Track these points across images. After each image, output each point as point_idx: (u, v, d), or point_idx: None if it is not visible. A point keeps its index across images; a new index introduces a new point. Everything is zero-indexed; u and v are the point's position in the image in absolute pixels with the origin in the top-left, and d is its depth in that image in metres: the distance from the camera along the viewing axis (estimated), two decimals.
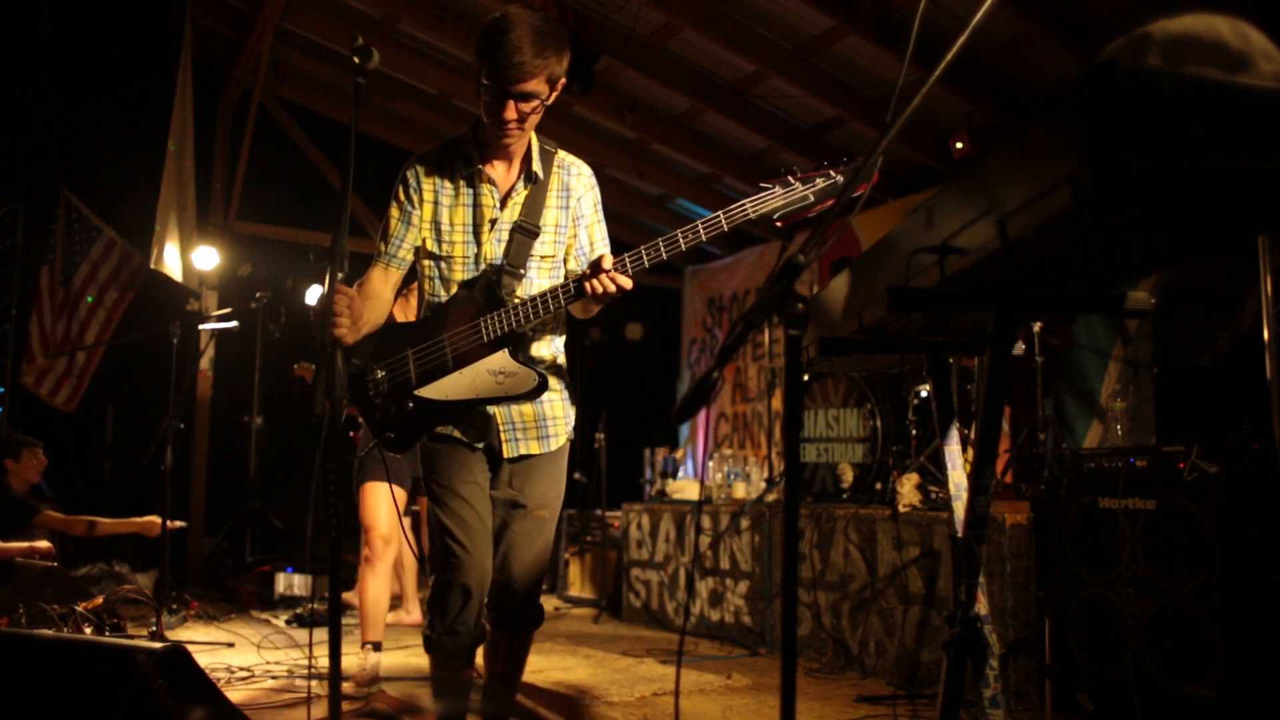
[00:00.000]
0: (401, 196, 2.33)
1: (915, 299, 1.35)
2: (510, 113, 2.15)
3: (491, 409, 2.30)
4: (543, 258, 2.32)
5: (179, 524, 4.52)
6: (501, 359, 2.23)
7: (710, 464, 5.62)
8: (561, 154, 2.38)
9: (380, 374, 2.30)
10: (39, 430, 6.31)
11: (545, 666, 4.08)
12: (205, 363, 6.74)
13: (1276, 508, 2.73)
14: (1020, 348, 4.15)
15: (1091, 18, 4.68)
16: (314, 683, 3.66)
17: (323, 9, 6.18)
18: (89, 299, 6.46)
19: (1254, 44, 1.06)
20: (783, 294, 1.22)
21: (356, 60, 1.93)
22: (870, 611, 3.88)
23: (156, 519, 4.55)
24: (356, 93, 1.99)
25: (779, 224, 2.25)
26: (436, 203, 2.32)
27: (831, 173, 2.19)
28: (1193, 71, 1.01)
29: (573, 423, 2.44)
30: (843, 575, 4.05)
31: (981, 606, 1.70)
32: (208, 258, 6.43)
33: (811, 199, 2.21)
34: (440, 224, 2.31)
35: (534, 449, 2.34)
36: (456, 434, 2.31)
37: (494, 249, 2.29)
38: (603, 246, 2.40)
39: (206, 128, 6.71)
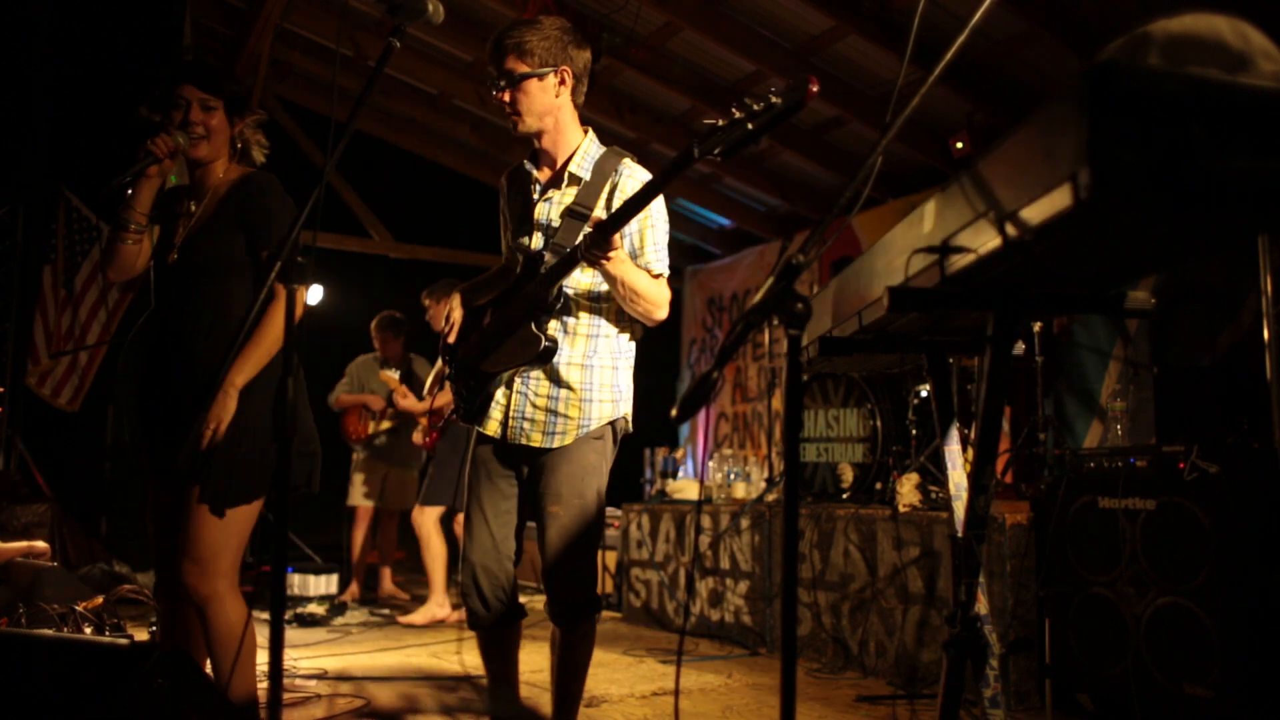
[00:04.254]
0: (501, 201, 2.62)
1: (915, 299, 1.35)
2: (501, 96, 2.37)
3: (503, 395, 2.40)
4: None
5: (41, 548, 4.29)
6: (526, 329, 2.34)
7: (710, 464, 5.61)
8: (626, 160, 2.43)
9: (456, 352, 2.52)
10: (39, 430, 6.30)
11: (545, 666, 4.06)
12: None
13: (1276, 508, 2.73)
14: (1020, 347, 4.15)
15: (1091, 18, 4.68)
16: (314, 683, 3.66)
17: (323, 9, 6.18)
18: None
19: (1254, 44, 1.06)
20: (783, 294, 1.22)
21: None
22: (870, 611, 3.88)
23: (39, 543, 4.30)
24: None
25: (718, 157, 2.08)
26: (510, 199, 2.56)
27: (771, 96, 1.95)
28: (1193, 71, 1.01)
29: (592, 424, 2.40)
30: (843, 575, 4.05)
31: (981, 606, 1.70)
32: None
33: (751, 128, 2.02)
34: (509, 217, 2.56)
35: (535, 441, 2.37)
36: (485, 431, 2.43)
37: (538, 239, 2.43)
38: (651, 256, 2.40)
39: None
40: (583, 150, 2.43)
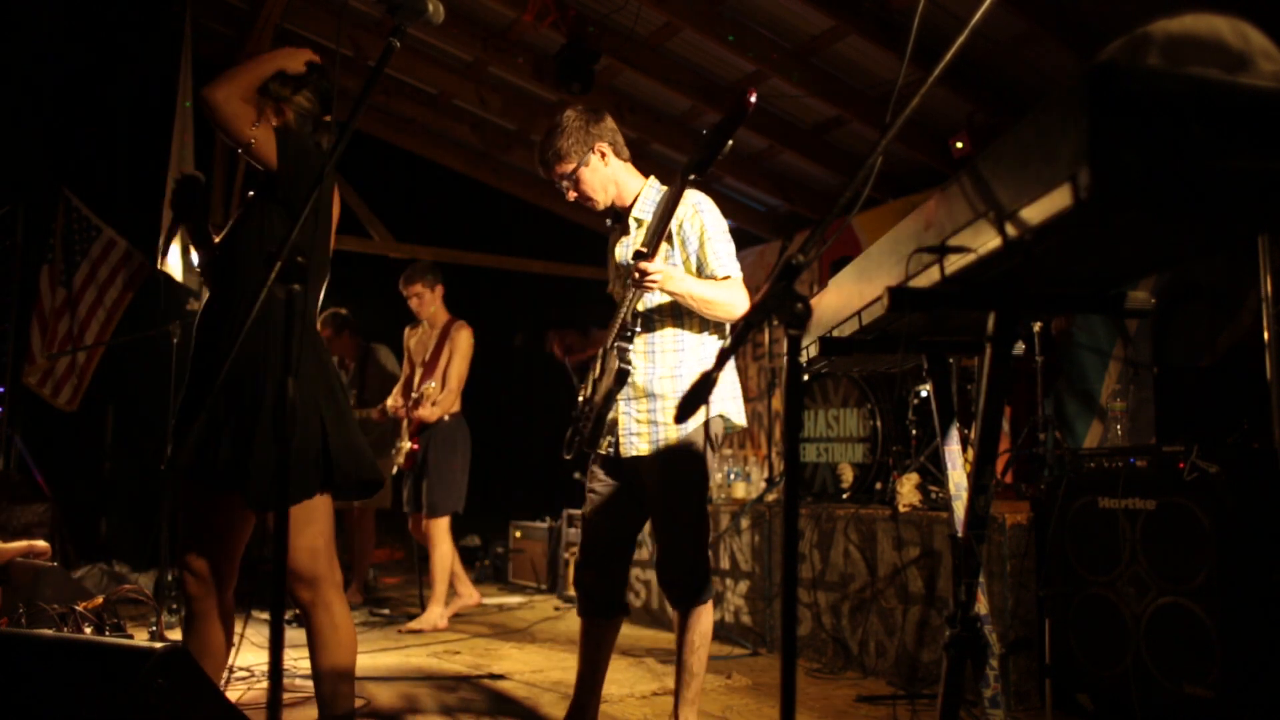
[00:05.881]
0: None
1: (915, 299, 1.35)
2: (568, 195, 2.78)
3: (612, 415, 2.73)
4: None
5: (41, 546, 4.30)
6: (610, 358, 2.69)
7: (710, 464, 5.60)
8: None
9: (584, 391, 2.86)
10: (40, 430, 6.30)
11: (545, 666, 4.08)
12: None
13: (1276, 508, 2.73)
14: (1020, 347, 4.14)
15: (1091, 18, 4.68)
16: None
17: (323, 9, 6.18)
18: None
19: (1254, 44, 1.06)
20: (782, 294, 1.22)
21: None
22: (870, 611, 3.87)
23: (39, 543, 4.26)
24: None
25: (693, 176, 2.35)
26: (610, 252, 2.91)
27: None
28: (1193, 71, 1.01)
29: (689, 426, 2.67)
30: (843, 575, 4.05)
31: (981, 606, 1.70)
32: None
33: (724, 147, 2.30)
34: (611, 267, 2.91)
35: (643, 451, 2.69)
36: (600, 450, 2.78)
37: (622, 282, 2.76)
38: (714, 264, 2.66)
39: (207, 126, 6.72)
40: (642, 197, 2.78)
